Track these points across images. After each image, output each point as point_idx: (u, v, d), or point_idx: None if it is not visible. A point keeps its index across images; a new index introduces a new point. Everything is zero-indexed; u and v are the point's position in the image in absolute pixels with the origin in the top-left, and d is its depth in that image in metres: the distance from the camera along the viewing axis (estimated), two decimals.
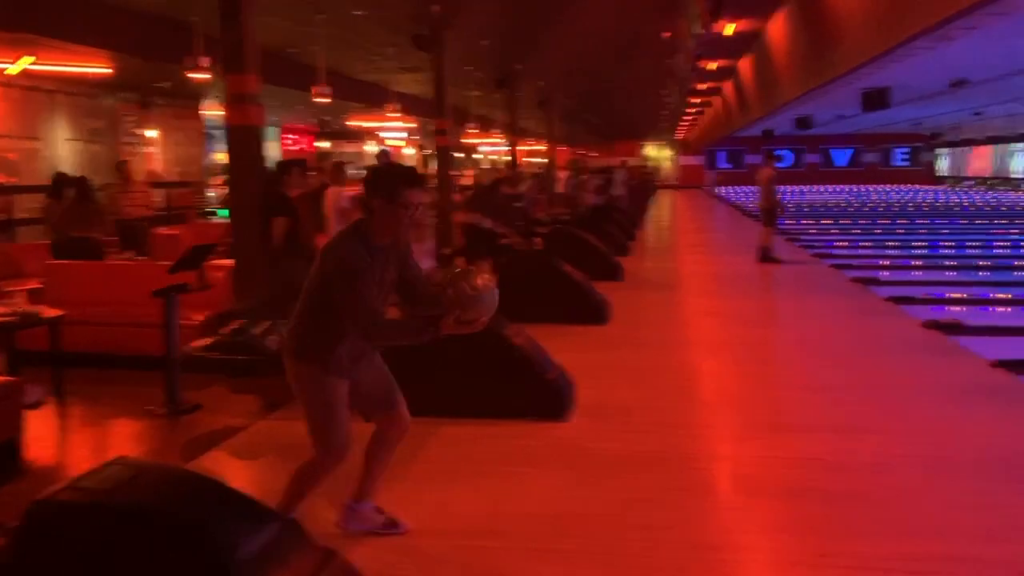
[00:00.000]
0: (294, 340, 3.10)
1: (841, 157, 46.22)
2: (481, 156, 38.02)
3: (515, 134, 21.38)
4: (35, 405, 4.74)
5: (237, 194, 7.04)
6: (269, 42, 11.34)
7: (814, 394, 5.52)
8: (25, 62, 11.81)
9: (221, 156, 18.40)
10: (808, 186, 40.13)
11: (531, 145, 32.92)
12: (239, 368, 5.49)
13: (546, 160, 26.84)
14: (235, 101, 6.78)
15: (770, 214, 12.09)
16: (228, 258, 7.11)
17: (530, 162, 35.75)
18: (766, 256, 11.98)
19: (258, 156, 6.98)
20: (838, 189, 38.86)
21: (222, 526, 2.10)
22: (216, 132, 19.28)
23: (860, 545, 3.29)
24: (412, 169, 3.22)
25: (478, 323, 2.95)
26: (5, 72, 12.40)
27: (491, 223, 9.51)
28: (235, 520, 2.15)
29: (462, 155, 31.60)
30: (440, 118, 13.13)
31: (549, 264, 8.14)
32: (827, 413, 5.08)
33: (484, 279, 2.97)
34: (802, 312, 8.86)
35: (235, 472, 4.38)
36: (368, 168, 3.30)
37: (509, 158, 22.52)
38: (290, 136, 27.09)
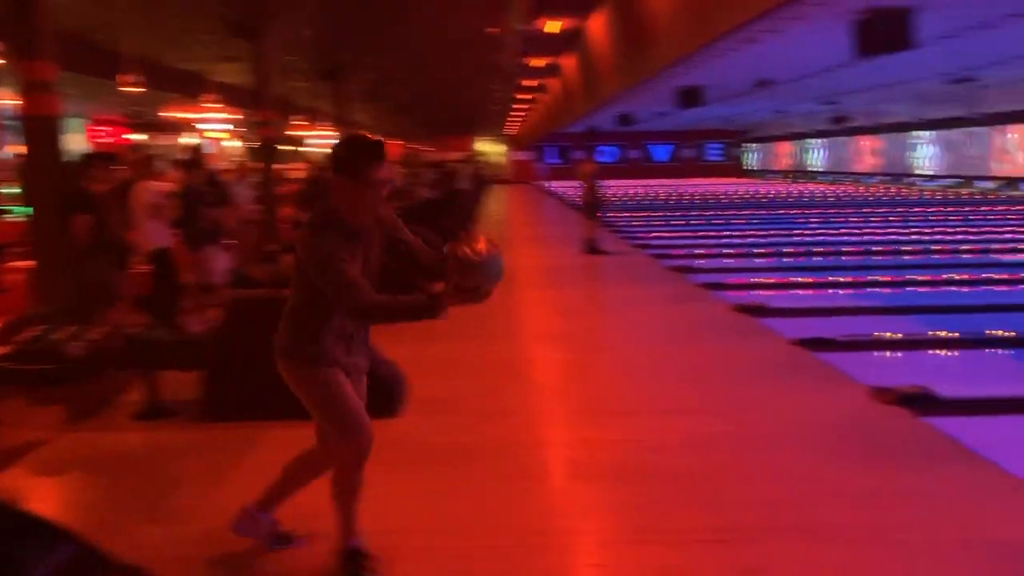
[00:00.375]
0: (283, 339, 2.94)
1: (661, 153, 48.51)
2: (309, 149, 37.07)
3: (345, 127, 20.98)
4: None
5: (35, 189, 6.52)
6: (68, 25, 10.55)
7: (635, 378, 5.78)
8: None
9: (15, 149, 16.95)
10: (630, 180, 41.84)
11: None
12: (39, 378, 5.09)
13: None
14: (29, 89, 6.27)
15: (592, 207, 12.52)
16: (26, 259, 6.56)
17: None
18: (592, 248, 12.39)
19: (56, 148, 6.49)
20: (658, 183, 40.76)
21: (8, 551, 1.92)
22: (12, 123, 17.72)
23: (676, 520, 3.46)
24: (377, 143, 2.90)
25: (481, 292, 2.76)
26: None
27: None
28: (23, 543, 1.98)
29: (291, 148, 30.68)
30: (262, 109, 12.68)
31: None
32: (648, 396, 5.32)
33: (487, 244, 2.77)
34: (625, 300, 9.23)
35: (38, 490, 4.06)
36: (332, 146, 3.02)
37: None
38: (102, 128, 25.34)
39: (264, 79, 12.54)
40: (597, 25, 18.22)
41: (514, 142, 51.56)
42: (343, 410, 2.93)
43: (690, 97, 17.71)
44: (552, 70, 24.90)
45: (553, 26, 17.58)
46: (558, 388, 5.68)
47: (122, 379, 5.19)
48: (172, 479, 4.07)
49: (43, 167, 6.41)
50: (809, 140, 40.92)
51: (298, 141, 30.86)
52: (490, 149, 53.10)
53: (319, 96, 22.01)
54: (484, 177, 37.21)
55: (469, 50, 19.89)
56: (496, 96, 32.25)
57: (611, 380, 5.82)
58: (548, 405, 5.24)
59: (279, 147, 16.55)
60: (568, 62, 23.74)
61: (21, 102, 6.41)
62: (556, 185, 39.59)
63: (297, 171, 22.21)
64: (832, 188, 32.73)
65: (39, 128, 6.39)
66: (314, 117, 26.03)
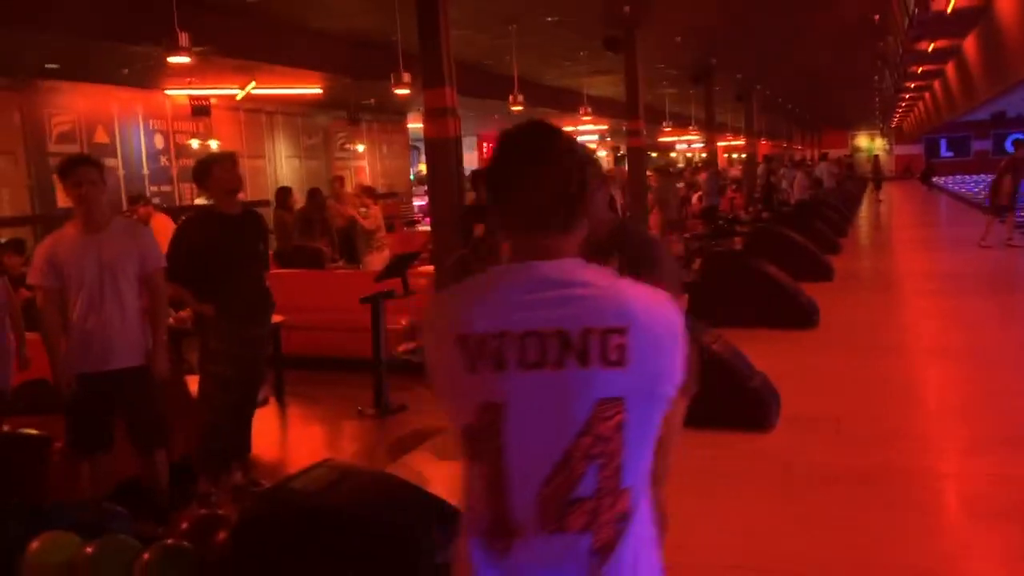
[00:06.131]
0: None
1: None
2: (676, 155, 37.38)
3: (713, 130, 20.81)
4: (260, 403, 5.14)
5: (436, 204, 7.31)
6: (466, 55, 11.73)
7: None
8: (249, 87, 12.95)
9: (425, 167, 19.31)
10: None
11: (730, 140, 31.95)
12: None
13: (743, 155, 25.95)
14: (433, 115, 7.03)
15: (1001, 205, 11.15)
16: (429, 265, 7.40)
17: (730, 157, 34.76)
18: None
19: (455, 166, 7.20)
20: None
21: (420, 531, 2.16)
22: (421, 144, 20.23)
23: None
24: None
25: None
26: (236, 98, 13.68)
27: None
28: (432, 525, 2.21)
29: (655, 154, 31.20)
30: (633, 119, 13.01)
31: (750, 265, 7.83)
32: None
33: None
34: None
35: (435, 472, 4.54)
36: None
37: (705, 155, 21.97)
38: (486, 144, 27.92)
39: (634, 89, 12.86)
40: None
41: (899, 135, 47.23)
42: None
43: None
44: (947, 53, 22.37)
45: (949, 4, 15.77)
46: (955, 411, 5.06)
47: None
48: None
49: (443, 183, 7.16)
50: None
51: (668, 147, 31.25)
52: (870, 144, 49.23)
53: (686, 100, 22.07)
54: (863, 174, 34.64)
55: (849, 39, 18.61)
56: (878, 87, 29.80)
57: (1017, 405, 5.03)
58: (944, 430, 4.69)
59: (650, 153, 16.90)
60: (967, 43, 21.18)
61: (425, 126, 7.21)
62: (947, 180, 35.58)
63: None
64: None
65: (441, 148, 7.14)
66: (682, 122, 26.16)
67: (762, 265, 7.74)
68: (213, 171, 4.13)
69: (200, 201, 10.09)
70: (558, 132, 1.36)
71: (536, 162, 1.31)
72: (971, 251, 11.68)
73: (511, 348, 1.23)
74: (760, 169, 20.62)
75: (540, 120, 1.37)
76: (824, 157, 23.96)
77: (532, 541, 1.24)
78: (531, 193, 1.30)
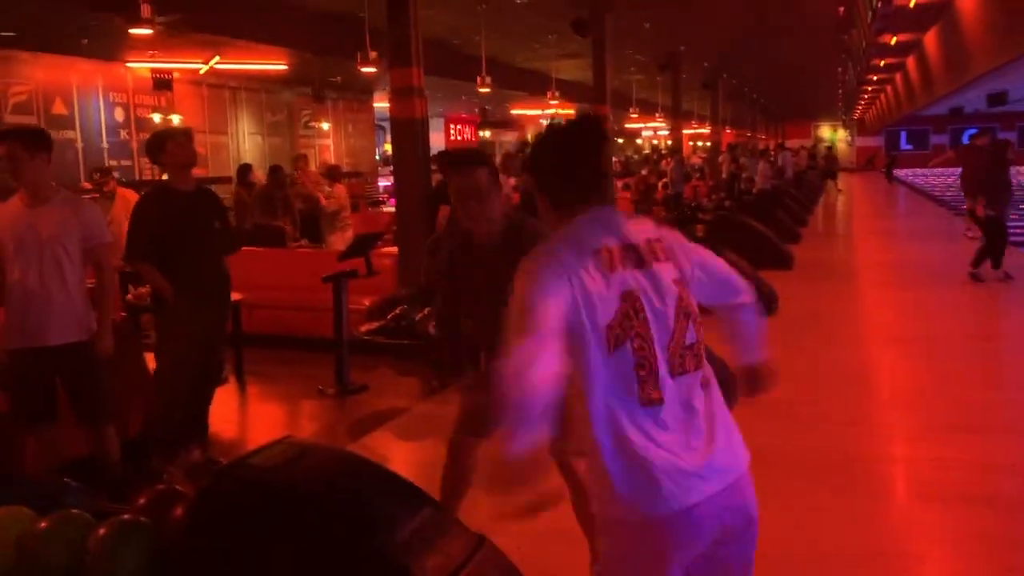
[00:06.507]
0: None
1: None
2: (641, 141, 37.54)
3: (679, 117, 20.93)
4: (220, 382, 5.10)
5: (401, 184, 7.28)
6: (434, 34, 11.65)
7: (999, 393, 5.10)
8: (213, 61, 12.75)
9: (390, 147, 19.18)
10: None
11: (695, 128, 32.15)
12: (402, 352, 5.71)
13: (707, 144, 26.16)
14: (399, 94, 7.00)
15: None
16: (393, 246, 7.38)
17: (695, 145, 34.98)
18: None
19: (421, 147, 7.18)
20: None
21: (379, 509, 2.17)
22: (387, 124, 20.09)
23: None
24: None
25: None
26: (200, 72, 13.46)
27: None
28: (391, 504, 2.22)
29: (621, 140, 31.30)
30: (600, 104, 13.04)
31: (711, 252, 7.91)
32: (1011, 414, 4.67)
33: None
34: (993, 304, 8.17)
35: (396, 452, 4.56)
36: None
37: (670, 143, 22.11)
38: (454, 126, 27.81)
39: (602, 73, 12.89)
40: None
41: (861, 127, 47.87)
42: None
43: None
44: (909, 47, 22.70)
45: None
46: (906, 398, 5.18)
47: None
48: None
49: (409, 164, 7.14)
50: None
51: (634, 134, 31.37)
52: (832, 135, 49.85)
53: (653, 87, 22.16)
54: (825, 165, 35.08)
55: (815, 31, 18.80)
56: (842, 79, 30.16)
57: (967, 393, 5.16)
58: (893, 417, 4.81)
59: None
60: (928, 38, 21.50)
61: (391, 105, 7.17)
62: (907, 173, 36.19)
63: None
64: None
65: (406, 128, 7.11)
66: (648, 109, 26.27)
67: (723, 252, 7.80)
68: (167, 145, 4.07)
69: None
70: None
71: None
72: (929, 242, 11.94)
73: (626, 255, 1.74)
74: (723, 158, 20.81)
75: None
76: (782, 147, 24.13)
77: (669, 384, 1.72)
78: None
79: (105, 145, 12.89)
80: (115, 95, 13.11)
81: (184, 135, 4.42)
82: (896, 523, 3.44)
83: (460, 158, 2.98)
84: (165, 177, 4.24)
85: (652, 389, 1.71)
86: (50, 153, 3.66)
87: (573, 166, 1.84)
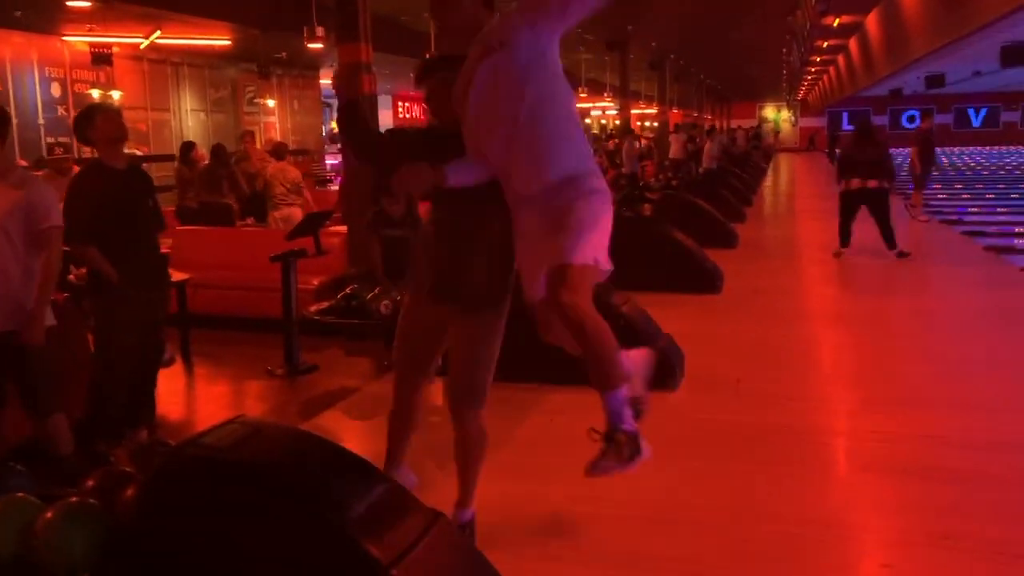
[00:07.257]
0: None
1: (976, 117, 43.44)
2: (590, 121, 37.63)
3: (627, 97, 21.04)
4: (166, 363, 5.02)
5: (350, 163, 7.21)
6: (382, 11, 11.50)
7: (934, 368, 5.27)
8: (154, 36, 12.42)
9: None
10: (939, 148, 37.93)
11: (643, 108, 32.35)
12: (353, 332, 5.68)
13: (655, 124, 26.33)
14: (347, 71, 6.91)
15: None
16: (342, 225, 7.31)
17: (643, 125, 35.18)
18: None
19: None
20: (971, 151, 36.57)
21: (333, 486, 2.18)
22: (334, 101, 19.80)
23: (975, 529, 3.12)
24: None
25: None
26: (140, 47, 13.09)
27: None
28: (345, 480, 2.23)
29: None
30: None
31: (658, 231, 8.01)
32: (951, 388, 4.83)
33: None
34: (928, 282, 8.43)
35: (348, 432, 4.54)
36: None
37: (618, 123, 22.22)
38: (402, 103, 27.53)
39: None
40: None
41: (804, 107, 48.66)
42: None
43: (1017, 54, 15.62)
44: (851, 29, 23.09)
45: None
46: (845, 374, 5.33)
47: None
48: None
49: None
50: None
51: (584, 113, 31.38)
52: (776, 116, 50.59)
53: (601, 67, 22.21)
54: (768, 145, 35.65)
55: (761, 12, 19.02)
56: (786, 60, 30.58)
57: (905, 369, 5.34)
58: (834, 391, 4.94)
59: None
60: (870, 20, 21.90)
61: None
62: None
63: None
64: None
65: None
66: (597, 89, 26.33)
67: (670, 231, 7.94)
68: (97, 120, 3.95)
69: None
70: None
71: None
72: (869, 221, 12.26)
73: None
74: (676, 137, 20.91)
75: None
76: (712, 131, 24.16)
77: None
78: None
79: (41, 121, 12.50)
80: (51, 70, 12.70)
81: (113, 109, 4.29)
82: (839, 494, 3.55)
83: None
84: (95, 155, 4.11)
85: None
86: (5, 133, 3.54)
87: None
